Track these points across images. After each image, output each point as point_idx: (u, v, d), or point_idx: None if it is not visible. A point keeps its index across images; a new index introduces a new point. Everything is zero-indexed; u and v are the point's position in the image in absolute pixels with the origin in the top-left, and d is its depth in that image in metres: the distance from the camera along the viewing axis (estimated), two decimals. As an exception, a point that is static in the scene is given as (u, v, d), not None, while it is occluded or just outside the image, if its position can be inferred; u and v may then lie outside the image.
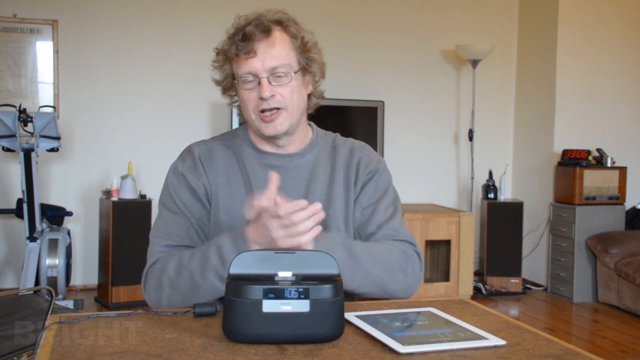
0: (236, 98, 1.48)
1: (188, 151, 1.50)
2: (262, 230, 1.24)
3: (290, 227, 1.21)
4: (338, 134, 1.59)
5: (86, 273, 4.66)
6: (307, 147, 1.50)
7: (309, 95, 1.49)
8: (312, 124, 1.57)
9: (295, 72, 1.41)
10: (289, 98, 1.40)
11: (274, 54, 1.37)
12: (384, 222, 1.49)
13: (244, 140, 1.50)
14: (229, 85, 1.46)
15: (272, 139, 1.45)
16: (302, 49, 1.42)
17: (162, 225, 1.46)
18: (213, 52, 1.47)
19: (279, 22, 1.40)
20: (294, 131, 1.47)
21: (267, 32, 1.37)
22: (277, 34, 1.39)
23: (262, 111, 1.39)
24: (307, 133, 1.53)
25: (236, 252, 1.25)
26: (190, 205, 1.45)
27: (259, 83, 1.38)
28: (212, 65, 1.48)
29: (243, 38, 1.37)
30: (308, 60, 1.43)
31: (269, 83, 1.38)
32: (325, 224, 1.46)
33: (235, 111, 4.56)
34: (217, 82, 1.49)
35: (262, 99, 1.38)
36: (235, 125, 4.47)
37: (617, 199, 4.74)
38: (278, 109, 1.39)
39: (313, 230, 1.23)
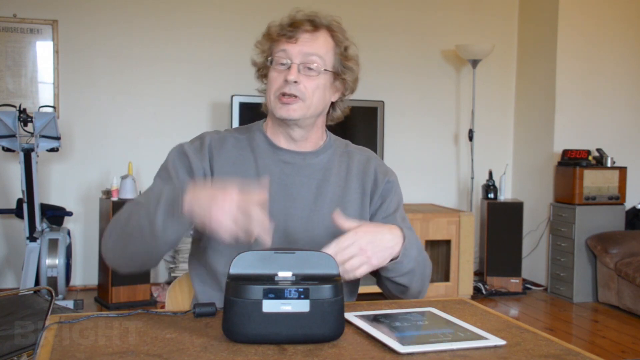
0: (264, 84, 1.50)
1: (200, 137, 1.51)
2: (207, 199, 1.19)
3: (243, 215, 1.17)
4: (349, 141, 1.61)
5: (86, 273, 4.66)
6: (320, 148, 1.52)
7: (333, 105, 1.52)
8: (327, 130, 1.59)
9: (326, 70, 1.43)
10: (311, 92, 1.42)
11: (312, 45, 1.42)
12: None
13: (259, 134, 1.52)
14: (265, 68, 1.48)
15: (285, 128, 1.46)
16: (342, 56, 1.46)
17: (147, 190, 1.43)
18: (248, 35, 1.56)
19: (329, 27, 1.45)
20: (306, 126, 1.47)
21: (315, 27, 1.42)
22: (323, 34, 1.44)
23: (283, 95, 1.42)
24: (322, 136, 1.54)
25: (170, 199, 1.24)
26: (184, 182, 1.41)
27: (289, 68, 1.41)
28: (256, 47, 1.50)
29: (290, 24, 1.42)
30: (344, 68, 1.46)
31: (298, 71, 1.41)
32: (335, 229, 1.45)
33: (235, 112, 4.57)
34: (255, 64, 1.51)
35: (286, 81, 1.40)
36: (236, 124, 4.47)
37: (617, 199, 4.73)
38: (297, 97, 1.41)
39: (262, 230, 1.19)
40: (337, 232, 1.44)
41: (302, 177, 1.47)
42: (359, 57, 1.50)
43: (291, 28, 1.41)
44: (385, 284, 1.47)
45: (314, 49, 1.41)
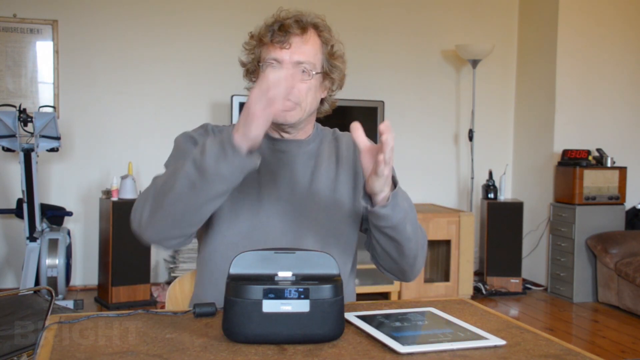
0: (252, 83, 1.55)
1: (201, 126, 1.57)
2: (244, 112, 1.22)
3: (267, 92, 1.18)
4: (336, 129, 1.67)
5: (86, 273, 4.66)
6: (310, 137, 1.57)
7: (322, 100, 1.56)
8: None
9: (317, 73, 1.48)
10: (305, 95, 1.46)
11: (304, 50, 1.45)
12: None
13: None
14: (253, 68, 1.53)
15: (278, 127, 1.50)
16: (329, 55, 1.50)
17: (169, 169, 1.40)
18: (247, 35, 1.55)
19: (316, 26, 1.49)
20: (300, 126, 1.53)
21: (303, 29, 1.46)
22: (312, 35, 1.48)
23: None
24: (311, 128, 1.60)
25: (218, 143, 1.22)
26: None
27: None
28: (244, 47, 1.55)
29: (280, 28, 1.44)
30: (331, 67, 1.51)
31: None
32: (331, 208, 1.52)
33: (235, 112, 4.56)
34: (243, 64, 1.56)
35: None
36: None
37: (617, 199, 4.73)
38: (293, 102, 1.45)
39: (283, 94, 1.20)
40: (332, 218, 1.50)
41: (297, 165, 1.53)
42: (344, 54, 1.54)
43: (281, 33, 1.44)
44: (378, 243, 1.42)
45: (305, 55, 1.45)
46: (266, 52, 1.47)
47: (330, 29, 1.52)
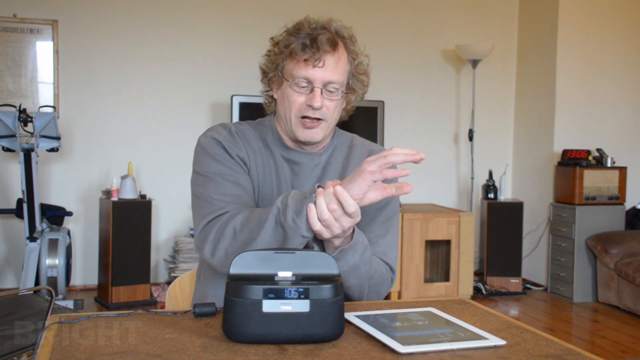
0: (269, 88, 1.53)
1: (222, 126, 1.53)
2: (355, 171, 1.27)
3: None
4: (356, 135, 1.63)
5: (86, 273, 4.66)
6: (326, 147, 1.56)
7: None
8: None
9: (344, 92, 1.48)
10: (332, 112, 1.47)
11: (335, 70, 1.44)
12: (378, 237, 1.52)
13: (271, 130, 1.55)
14: (276, 77, 1.50)
15: (300, 142, 1.50)
16: (355, 70, 1.51)
17: (213, 187, 1.43)
18: (269, 41, 1.51)
19: (344, 38, 1.48)
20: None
21: (334, 46, 1.44)
22: (342, 52, 1.47)
23: (304, 117, 1.45)
24: (329, 136, 1.57)
25: (302, 197, 1.27)
26: (238, 172, 1.46)
27: (311, 90, 1.44)
28: (266, 54, 1.51)
29: (312, 44, 1.42)
30: (356, 82, 1.51)
31: (321, 94, 1.44)
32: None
33: (235, 112, 4.56)
34: (264, 72, 1.53)
35: (310, 106, 1.43)
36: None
37: (617, 199, 4.73)
38: (319, 119, 1.45)
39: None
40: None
41: (305, 176, 1.52)
42: (369, 67, 1.54)
43: (313, 49, 1.41)
44: None
45: (336, 75, 1.44)
46: (296, 68, 1.43)
47: (357, 41, 1.52)
